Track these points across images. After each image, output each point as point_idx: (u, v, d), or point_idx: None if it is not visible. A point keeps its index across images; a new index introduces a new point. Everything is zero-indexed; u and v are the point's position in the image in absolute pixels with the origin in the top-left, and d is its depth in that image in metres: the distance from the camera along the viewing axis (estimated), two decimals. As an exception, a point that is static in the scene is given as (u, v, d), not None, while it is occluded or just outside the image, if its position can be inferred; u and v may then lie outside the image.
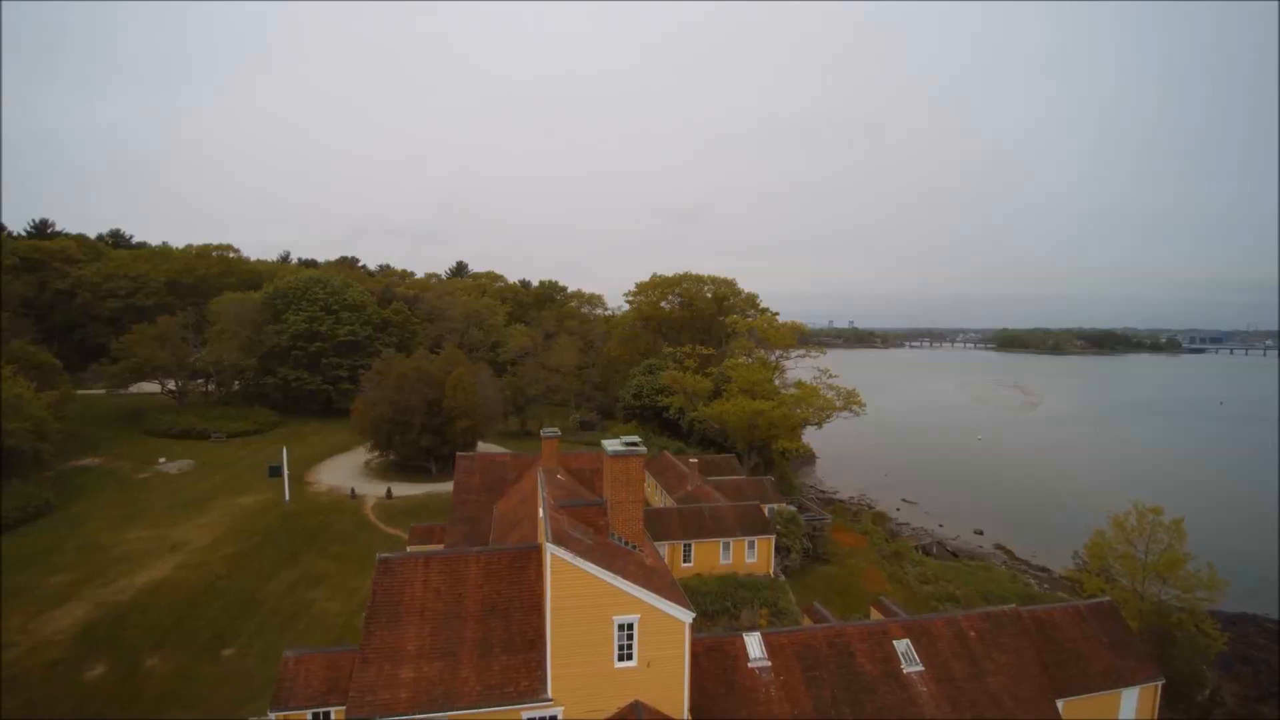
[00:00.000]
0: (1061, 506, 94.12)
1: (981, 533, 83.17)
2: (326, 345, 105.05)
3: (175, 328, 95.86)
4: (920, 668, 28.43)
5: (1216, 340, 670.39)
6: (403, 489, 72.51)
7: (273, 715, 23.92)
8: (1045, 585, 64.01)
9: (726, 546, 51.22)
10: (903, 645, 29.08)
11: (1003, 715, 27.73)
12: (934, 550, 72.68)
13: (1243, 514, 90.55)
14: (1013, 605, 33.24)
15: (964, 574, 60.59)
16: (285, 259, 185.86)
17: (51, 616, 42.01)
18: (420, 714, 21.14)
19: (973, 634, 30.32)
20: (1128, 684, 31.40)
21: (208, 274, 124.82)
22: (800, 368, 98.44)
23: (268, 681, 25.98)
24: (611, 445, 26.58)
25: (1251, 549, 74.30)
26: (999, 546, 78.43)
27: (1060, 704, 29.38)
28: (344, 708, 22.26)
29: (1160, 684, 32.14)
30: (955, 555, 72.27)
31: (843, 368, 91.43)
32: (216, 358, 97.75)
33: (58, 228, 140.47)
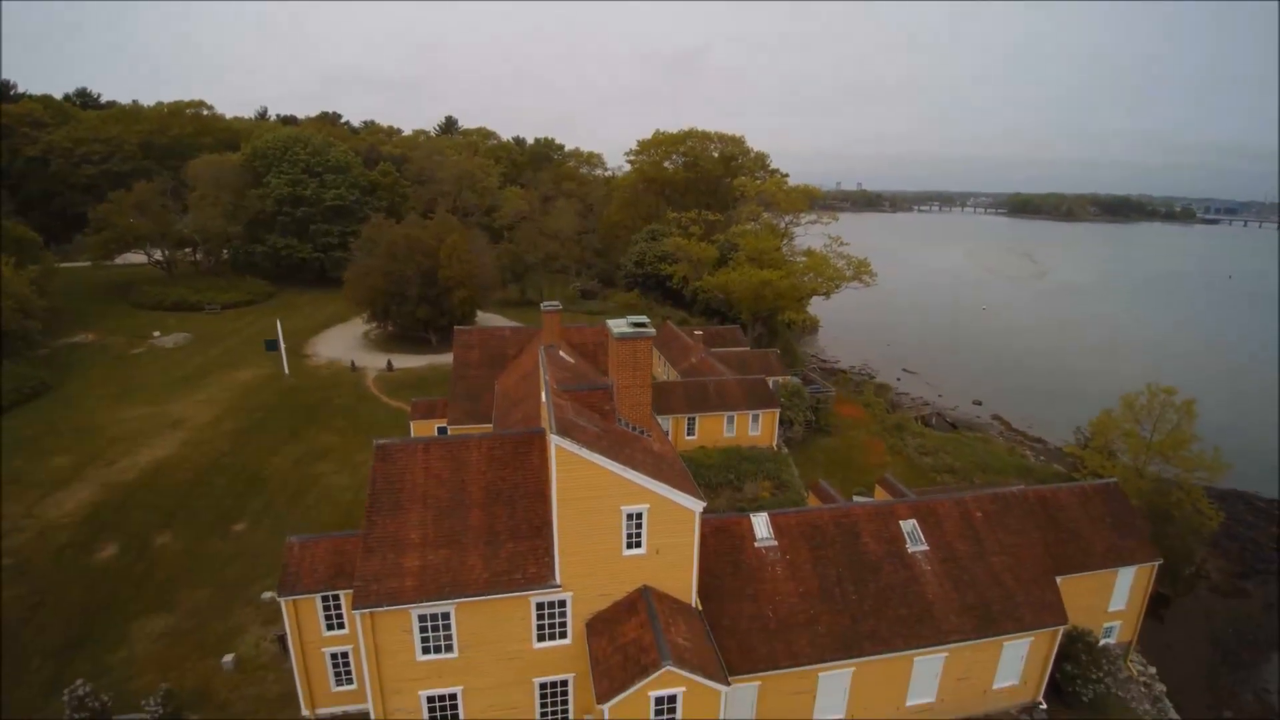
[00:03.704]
0: (1057, 376, 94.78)
1: (980, 404, 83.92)
2: (314, 210, 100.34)
3: (154, 194, 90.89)
4: (925, 547, 28.48)
5: (1231, 211, 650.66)
6: (403, 361, 71.79)
7: (282, 600, 23.98)
8: (1041, 457, 65.12)
9: (731, 420, 51.05)
10: (909, 525, 28.97)
11: (1002, 593, 28.15)
12: (933, 421, 73.41)
13: (1239, 389, 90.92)
14: (1020, 485, 33.06)
15: (963, 446, 61.27)
16: (263, 116, 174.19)
17: (56, 500, 41.66)
18: (428, 601, 20.94)
19: (979, 515, 30.20)
20: (1126, 563, 31.90)
21: (182, 134, 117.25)
22: (809, 235, 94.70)
23: (279, 557, 26.11)
24: (618, 326, 24.68)
25: (1248, 425, 74.96)
26: (996, 417, 79.38)
27: (1058, 580, 29.86)
28: (351, 591, 22.14)
29: (1157, 564, 32.69)
30: (954, 426, 73.11)
31: (849, 234, 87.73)
32: (200, 225, 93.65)
33: (20, 89, 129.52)
